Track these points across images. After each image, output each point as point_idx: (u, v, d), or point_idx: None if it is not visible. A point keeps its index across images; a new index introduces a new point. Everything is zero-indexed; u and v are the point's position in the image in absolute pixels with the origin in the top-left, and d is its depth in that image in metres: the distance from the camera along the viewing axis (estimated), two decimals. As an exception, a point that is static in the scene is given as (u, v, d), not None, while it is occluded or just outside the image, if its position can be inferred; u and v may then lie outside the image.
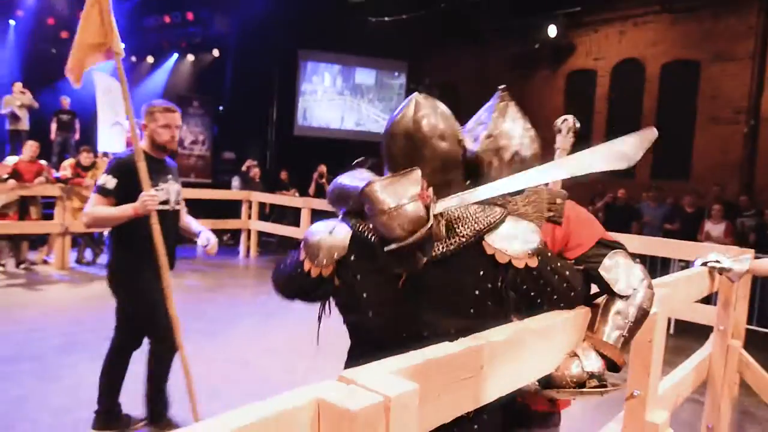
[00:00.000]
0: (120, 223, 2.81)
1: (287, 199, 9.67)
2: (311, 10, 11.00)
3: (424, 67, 13.16)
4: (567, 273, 1.40)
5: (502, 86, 1.62)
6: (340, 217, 1.46)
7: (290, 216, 9.47)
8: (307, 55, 13.17)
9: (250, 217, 9.41)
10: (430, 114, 1.38)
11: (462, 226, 1.31)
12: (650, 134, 1.42)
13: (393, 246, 1.18)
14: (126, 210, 2.76)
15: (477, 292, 1.30)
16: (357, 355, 1.40)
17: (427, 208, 1.20)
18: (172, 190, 3.00)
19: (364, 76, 13.48)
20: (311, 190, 9.72)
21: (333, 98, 13.46)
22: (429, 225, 1.18)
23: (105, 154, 8.92)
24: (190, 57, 13.28)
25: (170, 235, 2.97)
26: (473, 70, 12.16)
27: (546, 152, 1.66)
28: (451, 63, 12.63)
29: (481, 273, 1.30)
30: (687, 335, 5.05)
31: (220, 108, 13.50)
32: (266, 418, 0.74)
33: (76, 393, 3.55)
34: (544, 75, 11.77)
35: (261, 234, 9.64)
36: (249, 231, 9.38)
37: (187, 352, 3.01)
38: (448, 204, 1.30)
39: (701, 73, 9.94)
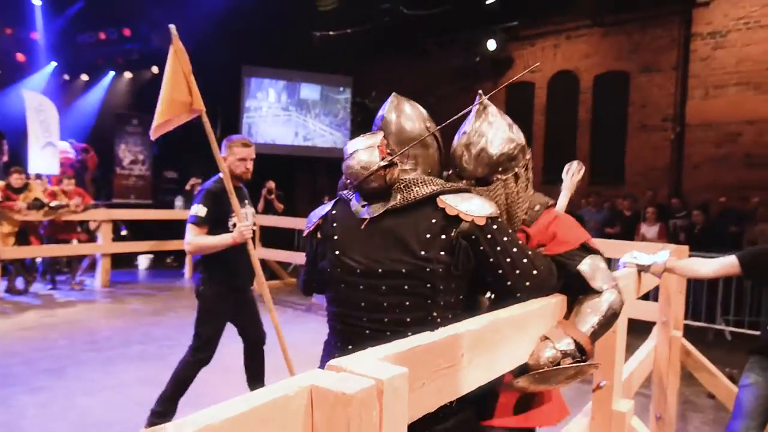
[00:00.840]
0: (219, 250, 3.18)
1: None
2: (254, 25, 10.91)
3: (368, 81, 13.29)
4: (528, 251, 1.51)
5: (480, 91, 1.79)
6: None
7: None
8: (250, 71, 13.02)
9: (196, 236, 9.13)
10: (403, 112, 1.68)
11: (422, 187, 1.53)
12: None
13: (355, 182, 1.52)
14: (226, 239, 3.16)
15: (428, 236, 1.47)
16: (332, 317, 1.61)
17: (383, 157, 1.52)
18: (249, 214, 3.38)
19: (309, 91, 13.46)
20: (260, 206, 9.54)
21: (278, 114, 13.35)
22: (378, 165, 1.49)
23: (38, 176, 8.48)
24: (128, 74, 12.86)
25: (244, 257, 3.29)
26: (417, 84, 12.37)
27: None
28: (395, 77, 12.81)
29: (433, 221, 1.48)
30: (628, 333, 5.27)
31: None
32: (258, 408, 0.72)
33: (10, 429, 3.32)
34: (486, 88, 12.09)
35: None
36: (196, 251, 9.10)
37: (135, 377, 2.89)
38: (399, 154, 1.56)
39: (631, 84, 10.52)
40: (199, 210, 3.17)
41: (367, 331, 1.50)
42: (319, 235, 1.66)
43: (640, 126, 10.46)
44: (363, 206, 1.56)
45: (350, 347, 1.49)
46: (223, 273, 3.27)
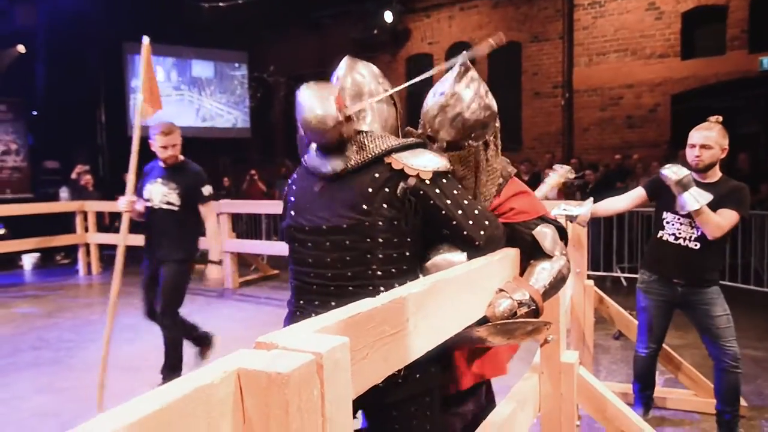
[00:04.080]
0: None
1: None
2: (134, -2, 10.07)
3: (265, 56, 12.78)
4: (479, 205, 1.54)
5: (466, 52, 1.71)
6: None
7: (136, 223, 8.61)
8: (134, 48, 12.00)
9: (87, 230, 8.40)
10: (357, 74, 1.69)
11: (377, 142, 1.52)
12: None
13: (313, 138, 1.53)
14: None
15: (369, 190, 1.47)
16: (290, 274, 1.64)
17: (340, 109, 1.49)
18: (157, 192, 3.62)
19: (202, 68, 12.71)
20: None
21: (170, 94, 12.50)
22: (337, 120, 1.47)
23: None
24: (-11, 54, 11.43)
25: (154, 230, 3.65)
26: (315, 57, 12.08)
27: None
28: (292, 51, 12.43)
29: (376, 175, 1.48)
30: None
31: (34, 112, 11.83)
32: (176, 401, 0.59)
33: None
34: (385, 60, 12.08)
35: (102, 247, 8.65)
36: (87, 245, 8.38)
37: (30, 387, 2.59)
38: (355, 108, 1.57)
39: (522, 53, 10.94)
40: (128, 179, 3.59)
41: (314, 287, 1.53)
42: (284, 194, 1.73)
43: (533, 94, 10.94)
44: (321, 161, 1.56)
45: (301, 302, 1.57)
46: (144, 242, 3.75)
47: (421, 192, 1.47)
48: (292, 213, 1.62)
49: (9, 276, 8.35)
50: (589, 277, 3.67)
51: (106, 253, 9.04)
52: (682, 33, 9.49)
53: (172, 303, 3.64)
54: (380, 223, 1.45)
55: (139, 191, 3.64)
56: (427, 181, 1.47)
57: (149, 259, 3.71)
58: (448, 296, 1.23)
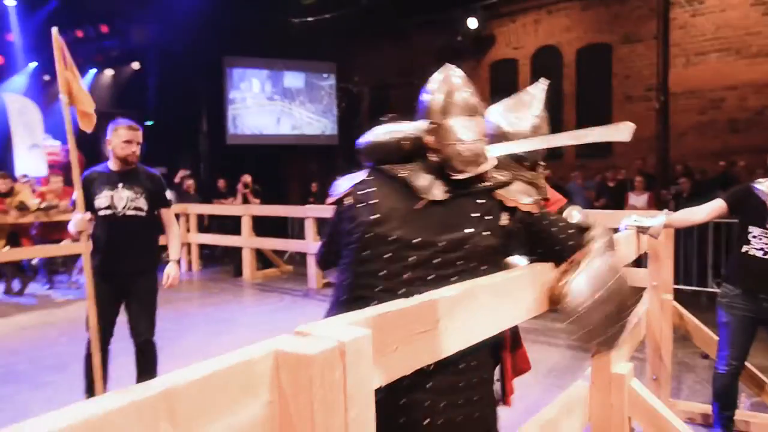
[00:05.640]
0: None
1: (226, 208, 9.47)
2: (233, 15, 10.82)
3: (352, 65, 13.24)
4: (562, 220, 1.69)
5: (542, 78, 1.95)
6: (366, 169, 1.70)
7: (230, 225, 9.29)
8: (232, 62, 12.95)
9: (188, 230, 9.17)
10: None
11: (495, 175, 1.62)
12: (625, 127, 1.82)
13: (462, 176, 1.54)
14: (71, 226, 3.20)
15: (473, 215, 1.53)
16: (340, 288, 1.59)
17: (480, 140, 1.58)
18: (123, 198, 3.31)
19: (293, 79, 13.40)
20: (238, 201, 9.51)
21: (263, 104, 13.30)
22: (490, 167, 1.59)
23: (24, 176, 8.46)
24: (109, 71, 12.76)
25: (119, 239, 3.29)
26: (400, 65, 12.36)
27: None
28: (378, 60, 12.78)
29: (479, 201, 1.55)
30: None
31: (147, 123, 13.04)
32: (223, 370, 0.76)
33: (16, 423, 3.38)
34: (469, 66, 12.11)
35: (201, 247, 9.41)
36: (189, 245, 9.13)
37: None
38: (497, 152, 1.68)
39: (613, 55, 10.54)
40: (74, 195, 3.24)
41: (375, 302, 1.32)
42: (351, 201, 1.63)
43: (624, 97, 10.50)
44: (429, 182, 1.56)
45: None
46: (96, 258, 3.27)
47: (529, 222, 1.58)
48: (372, 220, 1.54)
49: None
50: (680, 292, 3.52)
51: (205, 252, 9.80)
52: (795, 29, 8.75)
53: (154, 318, 3.45)
54: (478, 248, 1.50)
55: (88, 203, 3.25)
56: (536, 214, 1.58)
57: (108, 274, 3.26)
58: (482, 302, 1.33)
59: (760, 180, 2.84)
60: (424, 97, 1.63)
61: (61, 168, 9.74)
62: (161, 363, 3.47)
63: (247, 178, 9.35)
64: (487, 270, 1.50)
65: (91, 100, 3.26)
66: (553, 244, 1.62)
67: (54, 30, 3.17)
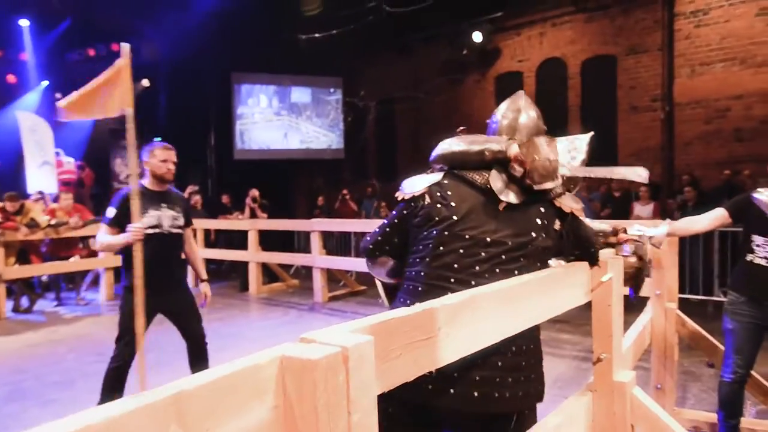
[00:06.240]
0: (121, 248, 3.39)
1: (233, 222, 9.55)
2: (241, 32, 10.99)
3: (358, 80, 13.36)
4: (591, 229, 1.98)
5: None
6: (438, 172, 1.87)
7: (236, 240, 9.35)
8: (240, 77, 13.11)
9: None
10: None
11: (556, 186, 1.86)
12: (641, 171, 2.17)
13: (540, 187, 1.75)
14: (119, 239, 3.33)
15: (538, 221, 1.76)
16: (413, 278, 1.74)
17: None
18: (166, 217, 3.51)
19: (300, 94, 13.54)
20: (246, 215, 9.57)
21: (271, 119, 13.43)
22: (563, 181, 1.84)
23: (41, 194, 8.59)
24: (119, 89, 12.93)
25: (164, 256, 3.47)
26: (405, 80, 12.46)
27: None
28: (384, 74, 12.89)
29: (542, 209, 1.78)
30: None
31: (157, 139, 13.20)
32: (232, 374, 0.80)
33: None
34: (474, 79, 12.20)
35: (207, 261, 9.46)
36: (196, 259, 9.18)
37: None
38: (577, 173, 1.97)
39: (618, 67, 10.58)
40: (109, 212, 3.44)
41: (449, 293, 1.49)
42: (428, 200, 1.77)
43: (629, 108, 10.52)
44: (506, 187, 1.76)
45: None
46: (144, 273, 3.29)
47: (576, 227, 1.85)
48: (452, 219, 1.72)
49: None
50: (687, 301, 3.51)
51: (210, 267, 9.87)
52: (799, 38, 8.76)
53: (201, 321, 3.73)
54: (538, 249, 1.74)
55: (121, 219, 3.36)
56: (580, 219, 1.86)
57: (154, 288, 3.33)
58: (486, 310, 1.36)
59: (759, 189, 2.85)
60: (506, 116, 1.92)
61: (70, 183, 9.87)
62: (169, 376, 3.49)
63: (255, 192, 9.44)
64: (541, 267, 1.76)
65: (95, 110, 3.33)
66: (590, 246, 1.90)
67: (125, 46, 3.27)
